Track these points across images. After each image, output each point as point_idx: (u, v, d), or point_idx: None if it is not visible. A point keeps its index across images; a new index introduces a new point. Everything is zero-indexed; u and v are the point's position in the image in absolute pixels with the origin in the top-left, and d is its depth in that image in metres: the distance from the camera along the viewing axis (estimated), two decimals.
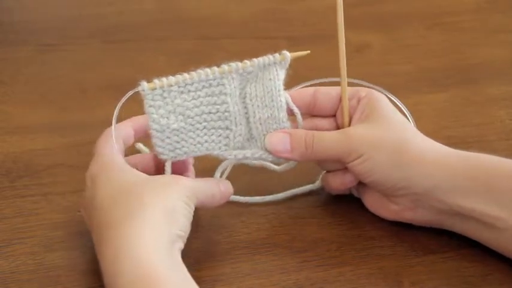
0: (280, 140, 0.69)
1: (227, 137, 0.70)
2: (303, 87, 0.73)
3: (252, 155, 0.71)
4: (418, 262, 0.67)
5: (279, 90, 0.70)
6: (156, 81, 0.68)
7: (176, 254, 0.61)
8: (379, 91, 0.72)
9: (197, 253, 0.68)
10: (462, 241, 0.68)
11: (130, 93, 0.68)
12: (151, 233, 0.59)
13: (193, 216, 0.71)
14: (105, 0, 1.15)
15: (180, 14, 1.11)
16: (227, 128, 0.70)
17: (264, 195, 0.74)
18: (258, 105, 0.70)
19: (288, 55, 0.70)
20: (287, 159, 0.71)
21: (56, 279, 0.66)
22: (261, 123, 0.70)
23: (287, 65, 0.70)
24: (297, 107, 0.71)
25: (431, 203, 0.66)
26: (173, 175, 0.67)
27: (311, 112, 0.72)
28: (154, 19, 1.10)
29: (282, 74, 0.70)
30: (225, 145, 0.70)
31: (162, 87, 0.68)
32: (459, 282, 0.65)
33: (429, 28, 1.07)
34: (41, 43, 1.03)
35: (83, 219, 0.66)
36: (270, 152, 0.70)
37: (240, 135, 0.70)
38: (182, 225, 0.62)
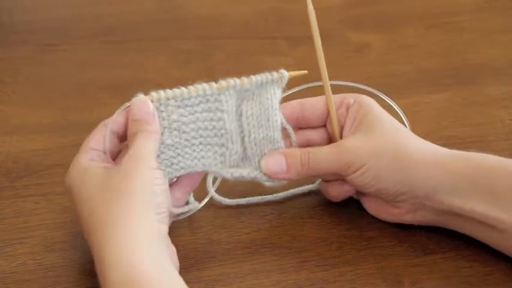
0: (276, 162, 0.69)
1: (222, 154, 0.69)
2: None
3: (248, 174, 0.70)
4: (418, 262, 0.67)
5: (275, 109, 0.69)
6: (153, 93, 0.67)
7: (163, 245, 0.61)
8: (374, 92, 0.72)
9: (197, 253, 0.68)
10: (462, 241, 0.68)
11: (126, 105, 0.67)
12: (131, 234, 0.59)
13: (193, 216, 0.71)
14: (105, 0, 1.15)
15: (180, 14, 1.11)
16: (223, 146, 0.69)
17: (264, 195, 0.74)
18: (253, 125, 0.69)
19: (286, 74, 0.69)
20: (285, 180, 0.71)
21: (56, 279, 0.66)
22: (255, 144, 0.70)
23: (284, 84, 0.70)
24: (287, 120, 0.70)
25: (431, 204, 0.66)
26: (131, 158, 0.64)
27: (299, 125, 0.72)
28: (154, 19, 1.10)
29: (278, 93, 0.70)
30: (221, 162, 0.70)
31: (159, 100, 0.67)
32: (459, 282, 0.65)
33: (429, 28, 1.07)
34: (41, 43, 1.03)
35: (79, 223, 0.66)
36: (266, 175, 0.70)
37: (236, 153, 0.69)
38: (160, 205, 0.62)
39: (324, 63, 0.70)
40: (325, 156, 0.68)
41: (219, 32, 1.06)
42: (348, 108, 0.70)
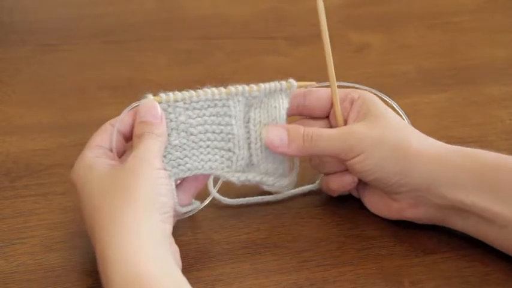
0: (278, 134, 0.69)
1: (229, 159, 0.70)
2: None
3: (254, 177, 0.70)
4: (418, 262, 0.67)
5: (282, 120, 0.70)
6: (162, 95, 0.67)
7: (166, 244, 0.60)
8: (374, 93, 0.72)
9: (197, 253, 0.68)
10: (462, 241, 0.68)
11: (133, 105, 0.67)
12: (134, 233, 0.58)
13: (194, 216, 0.71)
14: (105, 0, 1.15)
15: (180, 14, 1.11)
16: (229, 150, 0.69)
17: (264, 195, 0.74)
18: (260, 133, 0.70)
19: (294, 84, 0.70)
20: (284, 155, 0.70)
21: (56, 279, 0.66)
22: (261, 151, 0.70)
23: (292, 94, 0.70)
24: (288, 107, 0.71)
25: (432, 199, 0.66)
26: (135, 158, 0.64)
27: (302, 113, 0.72)
28: (154, 19, 1.10)
29: (286, 103, 0.70)
30: (228, 167, 0.70)
31: (168, 101, 0.67)
32: (459, 282, 0.65)
33: (429, 28, 1.07)
34: (41, 43, 1.03)
35: (83, 219, 0.66)
36: (267, 146, 0.69)
37: (242, 159, 0.70)
38: (164, 205, 0.62)
39: (330, 50, 0.70)
40: (328, 136, 0.68)
41: (219, 32, 1.06)
42: (352, 103, 0.70)
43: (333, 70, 0.70)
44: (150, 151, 0.64)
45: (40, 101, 0.91)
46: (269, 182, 0.71)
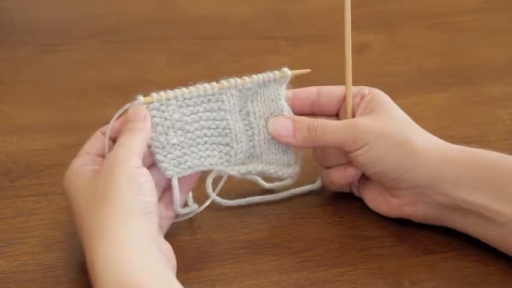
0: (283, 125, 0.69)
1: (228, 153, 0.70)
2: None
3: (254, 168, 0.71)
4: (418, 262, 0.67)
5: (282, 111, 0.70)
6: (153, 94, 0.67)
7: (153, 246, 0.60)
8: None
9: (197, 253, 0.68)
10: (463, 241, 0.68)
11: (127, 106, 0.67)
12: (118, 239, 0.58)
13: (194, 216, 0.71)
14: (105, 0, 1.15)
15: (180, 14, 1.11)
16: (227, 145, 0.70)
17: (264, 195, 0.74)
18: (263, 125, 0.70)
19: (288, 72, 0.70)
20: (290, 145, 0.71)
21: (56, 279, 0.66)
22: (265, 142, 0.70)
23: (287, 82, 0.70)
24: (301, 105, 0.71)
25: (433, 196, 0.66)
26: (111, 159, 0.63)
27: (314, 111, 0.72)
28: (154, 19, 1.10)
29: (282, 92, 0.70)
30: (227, 161, 0.70)
31: (159, 100, 0.67)
32: (459, 282, 0.65)
33: (429, 28, 1.07)
34: (41, 43, 1.03)
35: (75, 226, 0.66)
36: (272, 136, 0.70)
37: (241, 152, 0.70)
38: (147, 204, 0.61)
39: (350, 46, 0.70)
40: (333, 127, 0.68)
41: (219, 32, 1.06)
42: (362, 98, 0.71)
43: (350, 64, 0.70)
44: (129, 149, 0.64)
45: (40, 101, 0.91)
46: (271, 170, 0.71)
